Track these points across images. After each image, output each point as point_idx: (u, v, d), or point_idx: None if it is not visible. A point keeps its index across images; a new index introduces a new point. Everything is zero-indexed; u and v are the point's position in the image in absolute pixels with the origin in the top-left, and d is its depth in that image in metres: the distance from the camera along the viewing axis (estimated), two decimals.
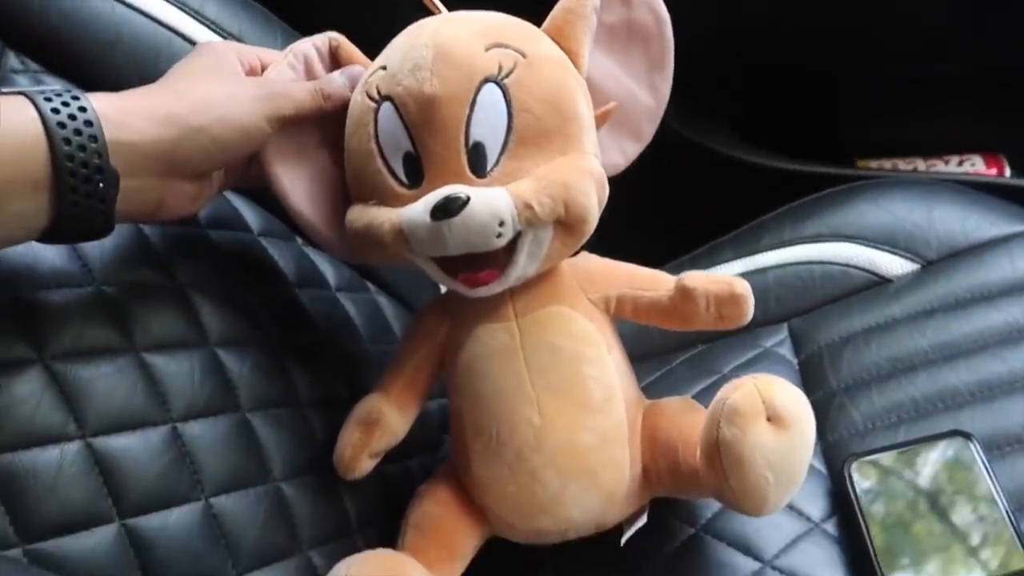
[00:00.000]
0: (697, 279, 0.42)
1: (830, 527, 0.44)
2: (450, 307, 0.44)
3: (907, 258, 0.57)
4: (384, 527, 0.47)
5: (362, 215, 0.40)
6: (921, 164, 0.80)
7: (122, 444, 0.37)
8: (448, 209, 0.36)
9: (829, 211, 0.60)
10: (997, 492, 0.41)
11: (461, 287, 0.40)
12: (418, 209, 0.37)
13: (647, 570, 0.44)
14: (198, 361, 0.41)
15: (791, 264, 0.59)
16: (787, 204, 0.64)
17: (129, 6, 0.50)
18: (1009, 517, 0.40)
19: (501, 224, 0.37)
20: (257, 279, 0.48)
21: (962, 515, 0.41)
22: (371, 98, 0.40)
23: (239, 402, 0.42)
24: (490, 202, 0.37)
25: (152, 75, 0.40)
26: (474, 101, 0.38)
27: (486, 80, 0.38)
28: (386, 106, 0.39)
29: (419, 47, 0.39)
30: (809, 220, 0.60)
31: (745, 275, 0.60)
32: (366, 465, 0.43)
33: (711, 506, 0.45)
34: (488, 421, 0.41)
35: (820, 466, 0.47)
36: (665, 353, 0.59)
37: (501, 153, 0.38)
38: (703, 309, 0.41)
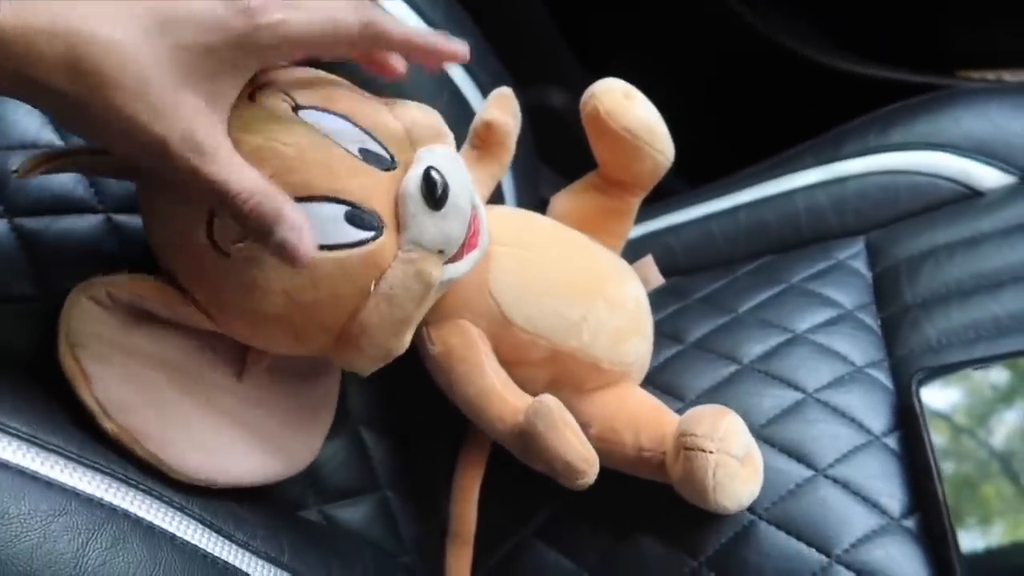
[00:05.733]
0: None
1: (891, 441, 0.42)
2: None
3: (1003, 169, 0.52)
4: None
5: (387, 301, 0.34)
6: None
7: None
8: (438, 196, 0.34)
9: (921, 117, 0.56)
10: None
11: (467, 256, 0.38)
12: (425, 227, 0.34)
13: None
14: None
15: (874, 173, 0.56)
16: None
17: None
18: None
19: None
20: None
21: None
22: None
23: None
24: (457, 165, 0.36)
25: None
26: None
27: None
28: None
29: None
30: (897, 127, 0.56)
31: (824, 184, 0.57)
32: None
33: (763, 412, 0.44)
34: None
35: (886, 381, 0.45)
36: (732, 262, 0.57)
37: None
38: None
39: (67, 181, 0.36)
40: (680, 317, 0.53)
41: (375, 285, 0.33)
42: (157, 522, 0.29)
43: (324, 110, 0.35)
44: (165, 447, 0.33)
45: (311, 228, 0.31)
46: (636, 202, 0.49)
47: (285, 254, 0.30)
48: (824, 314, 0.49)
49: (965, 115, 0.55)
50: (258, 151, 0.32)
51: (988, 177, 0.53)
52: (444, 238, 0.35)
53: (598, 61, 0.77)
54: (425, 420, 0.47)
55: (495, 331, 0.42)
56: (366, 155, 0.34)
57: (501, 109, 0.46)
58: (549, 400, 0.39)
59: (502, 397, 0.40)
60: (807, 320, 0.49)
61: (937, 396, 0.42)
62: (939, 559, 0.38)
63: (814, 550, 0.39)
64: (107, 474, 0.29)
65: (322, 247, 0.32)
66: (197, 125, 0.28)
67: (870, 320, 0.49)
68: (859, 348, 0.47)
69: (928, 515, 0.39)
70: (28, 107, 0.37)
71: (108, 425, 0.32)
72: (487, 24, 0.60)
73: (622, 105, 0.45)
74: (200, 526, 0.31)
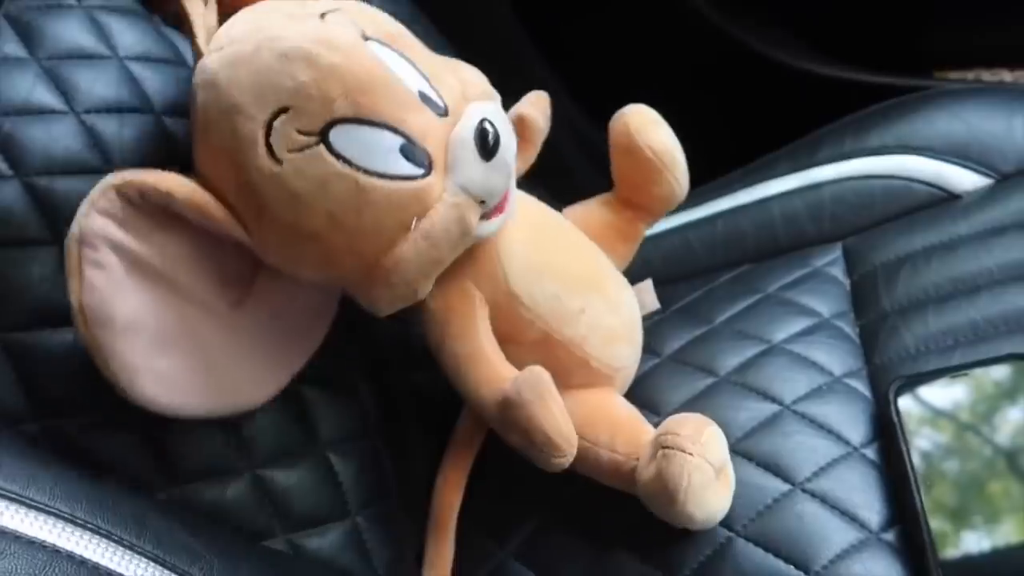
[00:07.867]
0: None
1: (870, 452, 0.41)
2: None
3: (979, 172, 0.52)
4: None
5: (425, 239, 0.35)
6: (1007, 76, 0.73)
7: None
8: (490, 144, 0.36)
9: (895, 120, 0.55)
10: None
11: (495, 218, 0.39)
12: (472, 169, 0.36)
13: None
14: None
15: (850, 179, 0.55)
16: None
17: None
18: None
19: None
20: None
21: None
22: (305, 134, 0.34)
23: None
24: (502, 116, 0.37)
25: None
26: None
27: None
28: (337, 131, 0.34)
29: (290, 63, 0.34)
30: (872, 130, 0.56)
31: (800, 191, 0.56)
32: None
33: (739, 425, 0.43)
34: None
35: (864, 390, 0.44)
36: (709, 271, 0.57)
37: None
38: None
39: (73, 144, 0.37)
40: (657, 328, 0.52)
41: (416, 222, 0.35)
42: (104, 562, 0.28)
43: (389, 46, 0.36)
44: (129, 373, 0.33)
45: (369, 152, 0.33)
46: (644, 228, 0.49)
47: None
48: (801, 323, 0.48)
49: (939, 117, 0.55)
50: (337, 69, 0.34)
51: (963, 180, 0.52)
52: (489, 189, 0.36)
53: (579, 81, 0.76)
54: (398, 442, 0.46)
55: (497, 299, 0.41)
56: (423, 98, 0.36)
57: (536, 107, 0.47)
58: (540, 370, 0.38)
59: (491, 361, 0.40)
60: (784, 330, 0.48)
61: (939, 394, 0.41)
62: (919, 573, 0.37)
63: (792, 567, 0.38)
64: (51, 514, 0.28)
65: (375, 173, 0.34)
66: None
67: (848, 328, 0.48)
68: (837, 357, 0.46)
69: (908, 527, 0.39)
70: (20, 69, 0.37)
71: (84, 332, 0.33)
72: (467, 49, 0.60)
73: (649, 126, 0.46)
74: (152, 564, 0.30)
